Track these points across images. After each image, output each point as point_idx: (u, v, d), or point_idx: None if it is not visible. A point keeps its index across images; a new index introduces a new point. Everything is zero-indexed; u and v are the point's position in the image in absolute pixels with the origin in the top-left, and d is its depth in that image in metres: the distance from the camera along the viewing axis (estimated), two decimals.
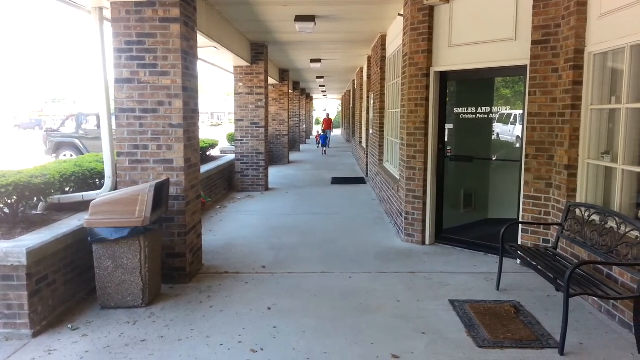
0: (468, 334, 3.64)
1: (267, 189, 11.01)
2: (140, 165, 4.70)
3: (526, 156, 5.14)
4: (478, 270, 5.16)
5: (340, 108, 47.19)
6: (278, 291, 4.57)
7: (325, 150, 21.53)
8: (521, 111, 5.42)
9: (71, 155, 16.24)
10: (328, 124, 26.03)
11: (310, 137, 27.22)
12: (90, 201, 4.21)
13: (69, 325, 3.80)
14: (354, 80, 19.86)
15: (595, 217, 4.12)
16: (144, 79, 4.61)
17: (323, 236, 6.69)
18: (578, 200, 4.60)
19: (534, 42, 4.95)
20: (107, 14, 4.71)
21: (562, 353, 3.31)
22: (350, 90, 23.89)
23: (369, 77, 12.23)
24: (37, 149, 21.77)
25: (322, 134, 22.86)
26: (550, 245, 4.85)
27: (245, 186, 10.82)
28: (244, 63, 10.28)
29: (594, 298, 4.09)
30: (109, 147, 4.93)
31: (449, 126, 6.11)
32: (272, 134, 16.18)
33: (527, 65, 5.07)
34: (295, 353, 3.38)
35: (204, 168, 8.98)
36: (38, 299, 3.65)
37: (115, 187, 4.92)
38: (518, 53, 5.16)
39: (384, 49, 9.58)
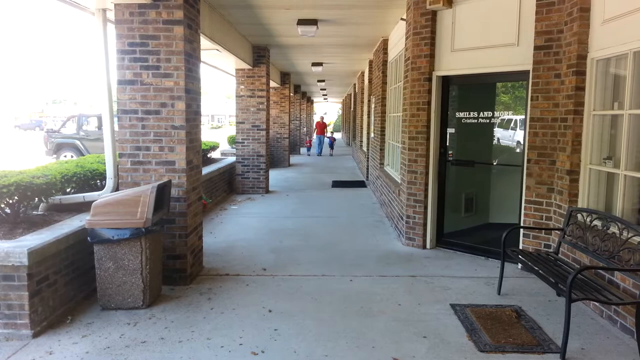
0: (469, 338, 3.63)
1: (267, 191, 11.01)
2: (142, 166, 4.70)
3: (528, 161, 5.14)
4: (479, 274, 5.15)
5: (340, 111, 47.23)
6: (279, 294, 4.56)
7: (311, 153, 21.49)
8: (521, 116, 5.43)
9: (72, 156, 16.24)
10: (321, 128, 23.43)
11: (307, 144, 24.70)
12: (91, 202, 4.22)
13: (68, 320, 3.83)
14: (355, 84, 19.89)
15: (597, 223, 4.11)
16: (147, 81, 4.61)
17: (323, 239, 6.69)
18: (580, 205, 4.60)
19: (536, 48, 4.96)
20: (111, 15, 4.71)
21: (563, 358, 3.30)
22: (351, 94, 23.87)
23: (370, 81, 12.25)
24: (38, 149, 21.78)
25: (314, 139, 22.58)
26: (551, 250, 4.85)
27: (246, 188, 10.82)
28: (245, 66, 10.29)
29: (596, 303, 4.08)
30: (111, 148, 4.92)
31: (450, 130, 6.11)
32: (273, 136, 16.19)
33: (529, 71, 5.08)
34: (296, 356, 3.37)
35: (205, 170, 8.97)
36: (39, 300, 3.64)
37: (116, 188, 4.91)
38: (520, 58, 5.17)
39: (385, 53, 9.59)
